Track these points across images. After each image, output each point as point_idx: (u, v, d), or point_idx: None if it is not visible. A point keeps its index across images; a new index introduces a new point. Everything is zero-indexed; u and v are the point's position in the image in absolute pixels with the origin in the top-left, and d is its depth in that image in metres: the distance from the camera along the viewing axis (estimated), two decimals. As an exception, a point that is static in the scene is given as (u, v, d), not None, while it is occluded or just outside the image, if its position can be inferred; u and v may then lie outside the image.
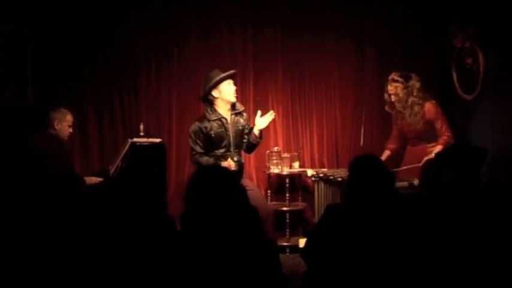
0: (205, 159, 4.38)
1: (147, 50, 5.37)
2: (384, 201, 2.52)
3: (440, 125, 4.46)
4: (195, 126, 4.43)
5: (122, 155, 4.63)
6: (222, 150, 4.41)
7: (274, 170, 5.10)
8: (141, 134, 4.93)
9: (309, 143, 5.49)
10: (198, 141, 4.40)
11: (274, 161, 5.11)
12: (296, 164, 5.21)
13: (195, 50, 5.39)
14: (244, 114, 4.56)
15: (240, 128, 4.48)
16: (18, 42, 4.89)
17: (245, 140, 4.54)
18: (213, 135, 4.37)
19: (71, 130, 4.52)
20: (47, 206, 2.43)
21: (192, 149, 4.42)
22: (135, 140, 4.76)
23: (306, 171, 5.12)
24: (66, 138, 4.56)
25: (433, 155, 4.38)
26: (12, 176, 3.61)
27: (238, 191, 2.32)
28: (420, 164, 4.37)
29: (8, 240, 2.32)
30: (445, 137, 4.43)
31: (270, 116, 4.46)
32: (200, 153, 4.39)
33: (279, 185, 5.34)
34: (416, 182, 3.98)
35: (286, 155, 5.16)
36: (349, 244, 2.45)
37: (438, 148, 4.40)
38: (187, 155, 5.37)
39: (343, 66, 5.51)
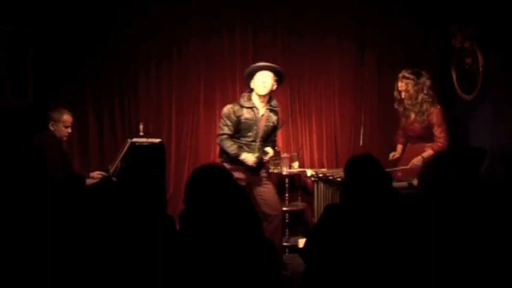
0: (229, 144, 4.36)
1: (147, 50, 5.38)
2: (381, 201, 2.52)
3: (439, 131, 4.49)
4: (227, 108, 4.43)
5: (122, 155, 4.63)
6: (248, 139, 4.39)
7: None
8: (141, 134, 4.93)
9: (308, 143, 5.50)
10: (229, 122, 4.37)
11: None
12: (295, 164, 5.21)
13: (195, 50, 5.39)
14: (277, 115, 4.51)
15: (271, 124, 4.45)
16: (19, 42, 4.89)
17: (273, 140, 4.56)
18: (242, 121, 4.36)
19: (69, 130, 4.50)
20: (46, 206, 2.43)
21: (221, 129, 4.41)
22: (134, 140, 4.76)
23: (305, 171, 5.12)
24: (65, 139, 4.56)
25: (421, 157, 4.43)
26: (11, 176, 3.61)
27: (237, 191, 2.32)
28: (408, 167, 4.47)
29: (7, 239, 2.33)
30: (439, 144, 4.46)
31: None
32: (228, 135, 4.37)
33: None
34: (415, 182, 3.98)
35: (285, 155, 5.16)
36: (348, 244, 2.45)
37: (429, 152, 4.43)
38: (186, 155, 5.40)
39: (343, 66, 5.51)
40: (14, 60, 4.88)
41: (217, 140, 4.46)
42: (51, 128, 4.40)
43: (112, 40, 5.23)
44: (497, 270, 2.29)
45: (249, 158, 4.32)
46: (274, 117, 4.48)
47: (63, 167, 4.38)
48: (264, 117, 4.41)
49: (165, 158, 4.90)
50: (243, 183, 4.23)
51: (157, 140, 4.89)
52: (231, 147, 4.35)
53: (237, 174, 4.15)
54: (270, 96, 4.46)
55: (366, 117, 5.48)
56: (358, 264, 2.41)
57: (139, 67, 5.38)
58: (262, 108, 4.42)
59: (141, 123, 5.04)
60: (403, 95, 4.58)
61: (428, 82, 4.53)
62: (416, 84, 4.52)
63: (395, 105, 4.71)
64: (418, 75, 4.54)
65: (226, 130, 4.38)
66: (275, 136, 4.61)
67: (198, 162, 4.99)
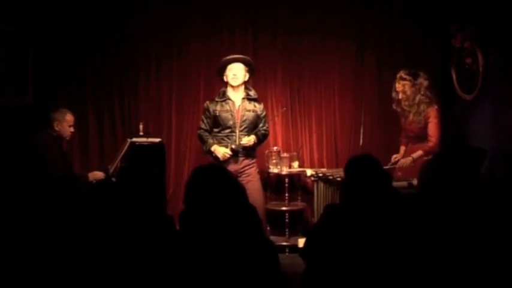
0: (203, 137, 4.66)
1: (147, 50, 5.38)
2: (381, 201, 2.52)
3: (430, 130, 4.49)
4: (205, 104, 4.73)
5: (122, 154, 4.63)
6: (227, 131, 4.59)
7: (274, 169, 5.11)
8: (141, 133, 4.93)
9: (308, 142, 5.49)
10: (205, 119, 4.69)
11: (274, 161, 5.11)
12: (295, 164, 5.21)
13: (195, 50, 5.40)
14: (258, 103, 4.70)
15: (251, 113, 4.62)
16: (19, 42, 4.90)
17: (261, 129, 4.69)
18: (217, 115, 4.59)
19: (72, 129, 4.52)
20: (46, 205, 2.43)
21: (200, 125, 4.74)
22: (134, 139, 4.76)
23: (305, 171, 5.12)
24: (68, 138, 4.57)
25: (411, 157, 4.45)
26: (11, 176, 3.61)
27: (237, 191, 2.32)
28: (396, 166, 4.55)
29: (8, 239, 2.33)
30: (430, 144, 4.48)
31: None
32: (204, 129, 4.68)
33: (278, 185, 5.34)
34: (415, 181, 3.99)
35: (285, 154, 5.16)
36: (348, 244, 2.45)
37: (418, 153, 4.47)
38: (186, 155, 5.40)
39: (343, 66, 5.51)
40: (14, 60, 4.88)
41: (197, 135, 4.79)
42: (56, 128, 4.42)
43: (112, 40, 5.23)
44: (497, 270, 2.29)
45: (218, 150, 4.55)
46: (255, 106, 4.65)
47: (63, 167, 4.39)
48: (240, 107, 4.60)
49: (165, 158, 4.91)
50: None
51: (157, 140, 4.89)
52: (203, 139, 4.66)
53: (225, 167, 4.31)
54: (245, 86, 4.67)
55: (366, 117, 5.47)
56: (358, 264, 2.41)
57: (139, 67, 5.38)
58: (238, 100, 4.63)
59: (141, 123, 5.04)
60: (400, 95, 4.58)
61: (425, 83, 4.53)
62: (413, 85, 4.53)
63: (394, 106, 4.72)
64: (415, 76, 4.54)
65: (202, 125, 4.70)
66: (264, 125, 4.70)
67: (198, 162, 4.98)
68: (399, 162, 4.58)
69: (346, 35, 5.47)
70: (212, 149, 4.57)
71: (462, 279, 2.29)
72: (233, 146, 4.53)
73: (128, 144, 4.68)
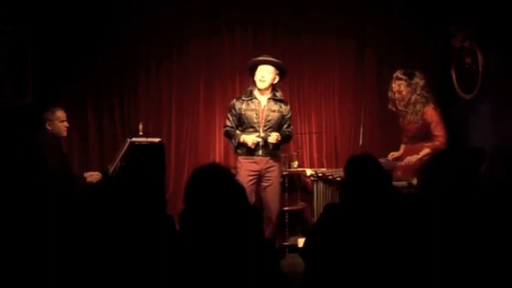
0: (230, 133, 4.63)
1: (147, 50, 5.38)
2: (381, 201, 2.53)
3: (435, 130, 4.48)
4: (232, 102, 4.68)
5: (121, 154, 4.63)
6: (250, 130, 4.56)
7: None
8: (140, 133, 4.93)
9: (308, 142, 5.50)
10: (230, 116, 4.64)
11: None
12: (295, 164, 5.21)
13: (195, 50, 5.40)
14: (284, 105, 4.66)
15: (276, 113, 4.58)
16: (19, 42, 4.90)
17: (285, 129, 4.66)
18: (242, 113, 4.56)
19: (66, 125, 4.50)
20: (44, 206, 2.43)
21: (226, 122, 4.69)
22: (134, 139, 4.76)
23: (305, 171, 5.12)
24: (65, 134, 4.56)
25: (418, 155, 4.43)
26: (11, 176, 3.61)
27: (237, 191, 2.32)
28: (403, 163, 4.51)
29: (8, 239, 2.33)
30: (437, 142, 4.45)
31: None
32: (229, 127, 4.64)
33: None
34: (415, 181, 3.99)
35: (285, 154, 5.16)
36: (348, 243, 2.45)
37: (425, 151, 4.43)
38: (186, 155, 5.41)
39: (343, 66, 5.52)
40: (14, 60, 4.88)
41: (223, 133, 4.76)
42: (48, 128, 4.41)
43: (112, 40, 5.23)
44: (497, 270, 2.29)
45: (247, 138, 4.50)
46: (281, 107, 4.61)
47: (63, 167, 4.39)
48: (266, 107, 4.56)
49: (164, 158, 4.90)
50: (256, 175, 4.49)
51: (157, 140, 4.89)
52: (230, 135, 4.63)
53: (251, 167, 4.47)
54: (273, 87, 4.60)
55: (366, 117, 5.48)
56: (357, 264, 2.41)
57: (139, 67, 5.38)
58: (264, 100, 4.58)
59: (141, 123, 5.04)
60: (396, 95, 4.58)
61: (421, 82, 4.52)
62: (408, 85, 4.53)
63: (389, 106, 4.71)
64: (410, 76, 4.54)
65: (228, 123, 4.65)
66: (288, 127, 4.68)
67: (198, 162, 4.99)
68: (405, 160, 4.53)
69: (346, 34, 5.48)
70: (241, 139, 4.51)
71: (462, 279, 2.29)
72: (262, 134, 4.49)
73: (127, 144, 4.68)
